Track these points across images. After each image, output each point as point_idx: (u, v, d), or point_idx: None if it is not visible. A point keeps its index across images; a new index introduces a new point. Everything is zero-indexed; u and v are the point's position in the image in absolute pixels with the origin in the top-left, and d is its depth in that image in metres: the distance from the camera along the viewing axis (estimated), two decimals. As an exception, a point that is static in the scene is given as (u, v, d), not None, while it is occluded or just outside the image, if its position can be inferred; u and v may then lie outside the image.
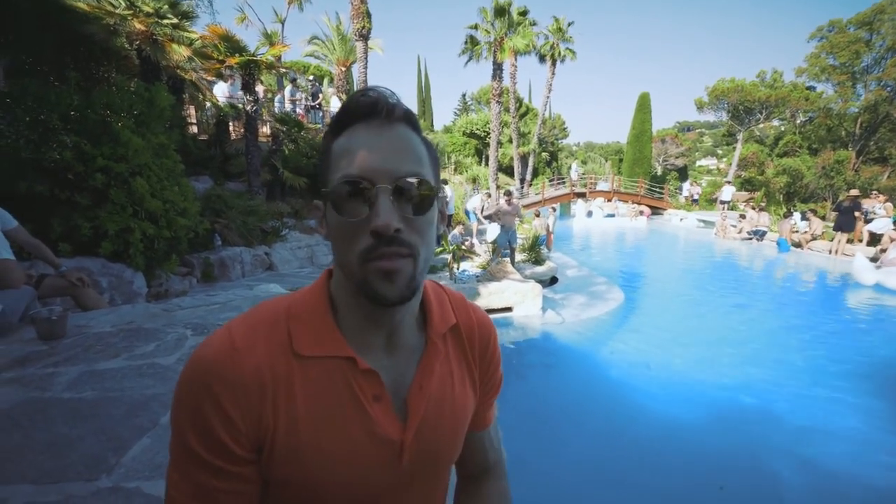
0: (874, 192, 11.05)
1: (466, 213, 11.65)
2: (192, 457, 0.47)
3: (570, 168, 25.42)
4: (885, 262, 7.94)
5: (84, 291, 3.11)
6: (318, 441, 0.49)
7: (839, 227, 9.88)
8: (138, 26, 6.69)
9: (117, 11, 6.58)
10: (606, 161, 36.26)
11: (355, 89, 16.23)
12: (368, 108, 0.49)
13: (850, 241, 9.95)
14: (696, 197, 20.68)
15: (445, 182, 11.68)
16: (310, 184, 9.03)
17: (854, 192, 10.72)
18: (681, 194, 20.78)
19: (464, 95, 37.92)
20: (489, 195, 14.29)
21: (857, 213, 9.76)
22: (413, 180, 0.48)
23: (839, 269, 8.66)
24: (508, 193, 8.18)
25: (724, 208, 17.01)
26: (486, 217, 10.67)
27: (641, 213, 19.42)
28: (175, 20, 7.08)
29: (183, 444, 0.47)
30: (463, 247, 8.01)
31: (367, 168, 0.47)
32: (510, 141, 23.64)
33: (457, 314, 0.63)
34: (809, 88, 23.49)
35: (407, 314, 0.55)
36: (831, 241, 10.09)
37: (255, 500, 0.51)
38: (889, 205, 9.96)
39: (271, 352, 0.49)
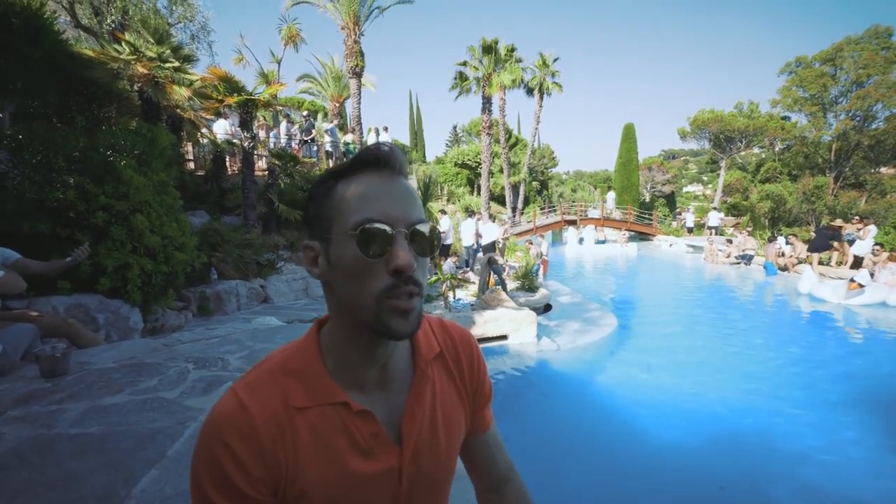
0: (855, 217, 11.56)
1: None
2: None
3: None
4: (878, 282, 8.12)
5: (79, 330, 3.14)
6: (323, 479, 0.53)
7: (814, 249, 10.50)
8: (141, 70, 6.97)
9: (122, 56, 6.86)
10: (596, 189, 37.16)
11: (349, 124, 16.68)
12: (384, 159, 0.55)
13: (840, 263, 10.35)
14: (690, 225, 20.20)
15: (444, 212, 11.86)
16: (305, 216, 9.18)
17: (838, 222, 11.51)
18: (685, 225, 20.58)
19: (455, 127, 39.12)
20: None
21: (832, 242, 10.38)
22: (424, 227, 0.56)
23: (823, 291, 8.68)
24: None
25: (711, 233, 17.39)
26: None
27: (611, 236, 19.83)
28: (177, 63, 7.37)
29: (202, 499, 0.50)
30: (458, 276, 8.11)
31: (387, 214, 0.53)
32: (501, 171, 24.23)
33: (438, 339, 0.67)
34: (784, 118, 24.63)
35: (399, 345, 0.60)
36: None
37: None
38: (869, 227, 10.32)
39: (274, 405, 0.53)
